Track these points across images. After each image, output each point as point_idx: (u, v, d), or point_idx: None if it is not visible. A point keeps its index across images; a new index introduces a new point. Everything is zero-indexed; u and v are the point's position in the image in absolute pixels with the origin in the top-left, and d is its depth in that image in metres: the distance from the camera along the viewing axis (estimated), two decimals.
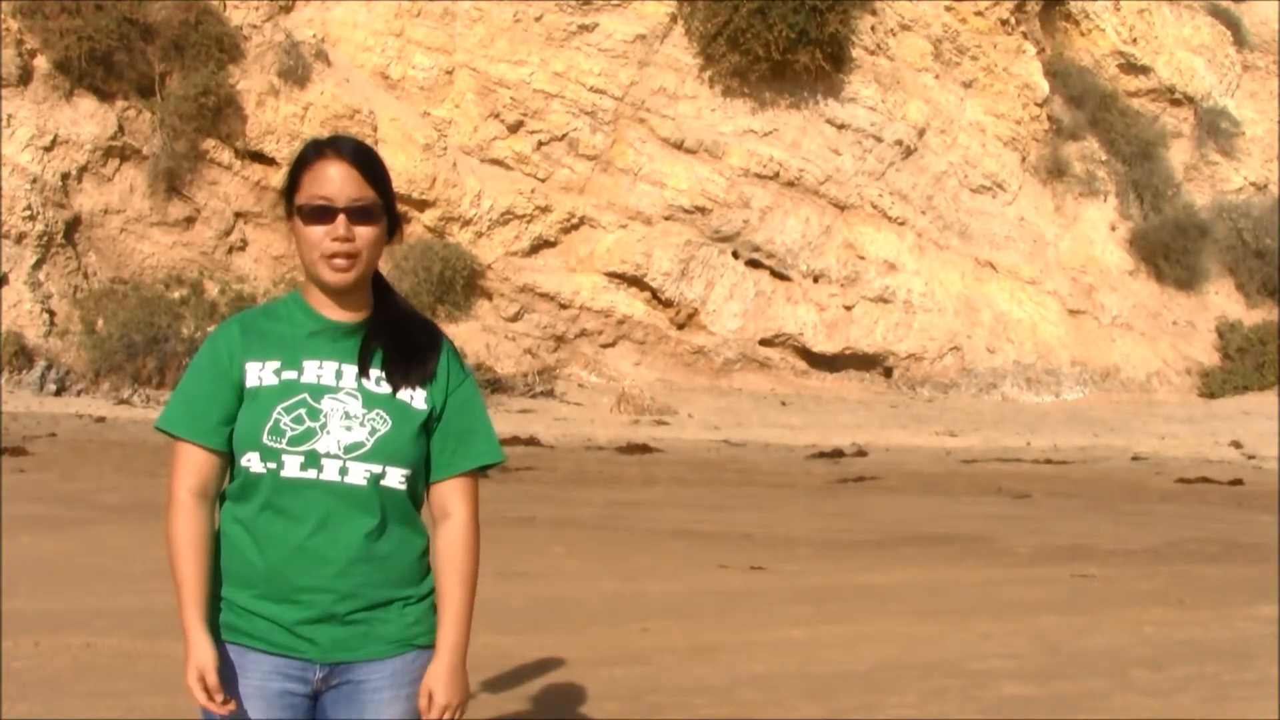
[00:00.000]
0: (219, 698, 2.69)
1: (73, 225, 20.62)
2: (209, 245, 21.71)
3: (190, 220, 21.62)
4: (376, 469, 2.77)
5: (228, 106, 21.37)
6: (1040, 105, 27.38)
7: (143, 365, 19.25)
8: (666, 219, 23.50)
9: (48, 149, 20.35)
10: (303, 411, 2.75)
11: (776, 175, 24.13)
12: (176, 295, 20.53)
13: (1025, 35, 27.50)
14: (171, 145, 20.93)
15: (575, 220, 23.23)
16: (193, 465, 2.79)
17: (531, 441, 16.75)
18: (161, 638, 6.32)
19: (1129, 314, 27.26)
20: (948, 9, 26.26)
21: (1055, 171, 27.57)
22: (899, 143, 25.22)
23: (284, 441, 2.74)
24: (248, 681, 2.77)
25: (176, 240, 21.52)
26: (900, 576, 9.21)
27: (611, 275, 23.31)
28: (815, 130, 24.55)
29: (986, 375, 25.16)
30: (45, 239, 20.08)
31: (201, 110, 20.92)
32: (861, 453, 17.56)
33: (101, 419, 17.05)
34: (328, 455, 2.74)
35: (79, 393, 19.03)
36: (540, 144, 23.14)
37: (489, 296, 22.94)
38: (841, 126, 24.71)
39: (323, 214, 2.76)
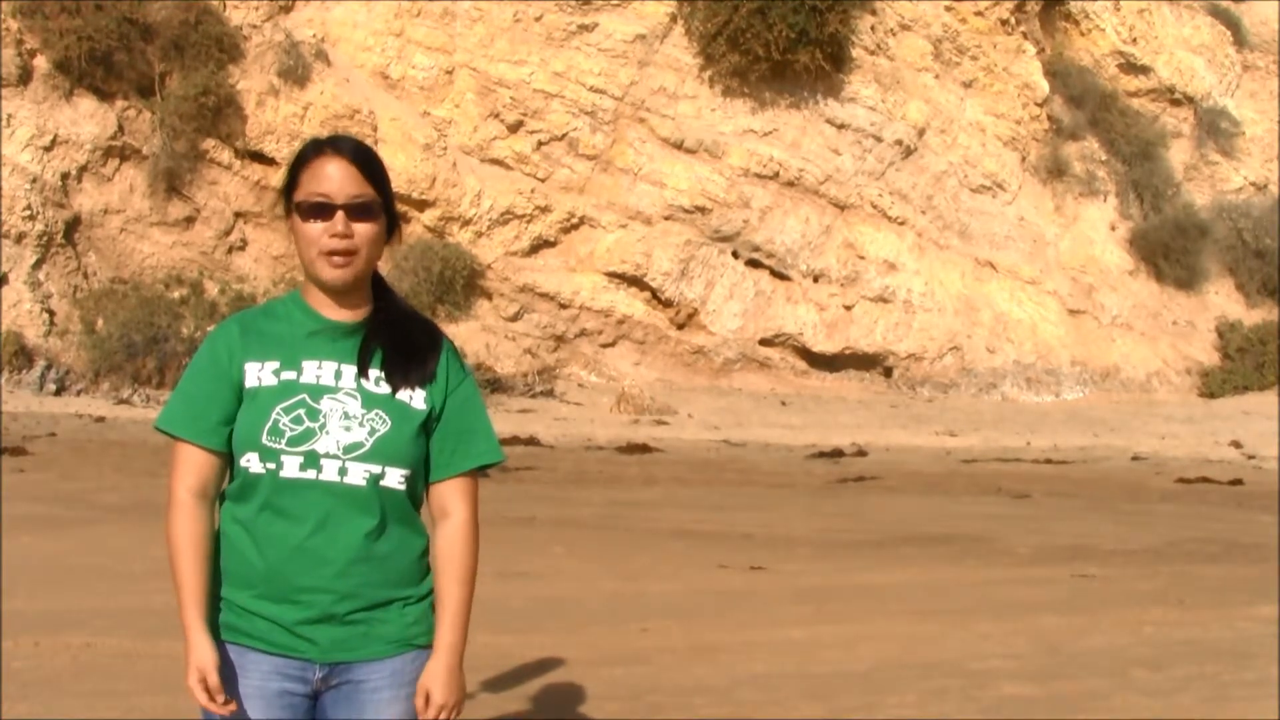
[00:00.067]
0: (220, 698, 2.69)
1: (73, 225, 20.62)
2: (209, 245, 21.71)
3: (190, 220, 21.62)
4: (376, 469, 2.76)
5: (228, 106, 21.37)
6: (1040, 105, 27.39)
7: (143, 365, 19.25)
8: (666, 219, 23.50)
9: (48, 149, 20.35)
10: (302, 412, 2.75)
11: (776, 175, 24.13)
12: (176, 295, 20.53)
13: (1025, 35, 27.50)
14: (171, 145, 20.93)
15: (575, 220, 23.23)
16: (192, 465, 2.79)
17: (531, 441, 16.75)
18: (161, 638, 6.32)
19: (1129, 314, 27.26)
20: (948, 9, 26.26)
21: (1055, 171, 27.57)
22: (899, 143, 25.22)
23: (283, 442, 2.73)
24: (247, 681, 2.77)
25: (176, 240, 21.52)
26: (900, 576, 9.21)
27: (611, 275, 23.31)
28: (815, 130, 24.55)
29: (986, 375, 25.16)
30: (45, 239, 20.07)
31: (201, 110, 20.92)
32: (861, 453, 17.56)
33: (101, 419, 17.05)
34: (327, 455, 2.74)
35: (79, 393, 19.03)
36: (540, 144, 23.14)
37: (489, 296, 22.94)
38: (841, 126, 24.71)
39: (321, 211, 2.76)
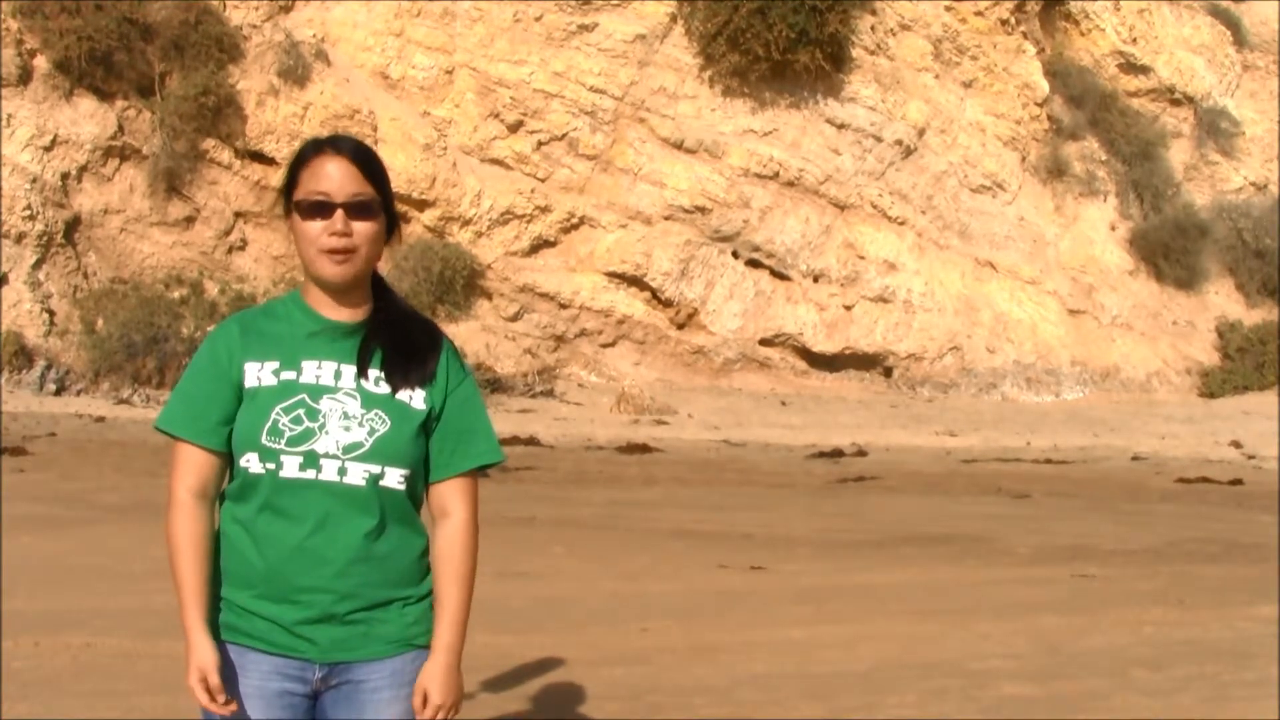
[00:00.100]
0: (220, 698, 2.69)
1: (73, 225, 20.62)
2: (209, 245, 21.72)
3: (190, 220, 21.62)
4: (375, 469, 2.76)
5: (228, 106, 21.37)
6: (1040, 105, 27.39)
7: (143, 365, 19.25)
8: (666, 219, 23.50)
9: (48, 149, 20.35)
10: (301, 412, 2.75)
11: (776, 175, 24.14)
12: (176, 295, 20.53)
13: (1025, 35, 27.50)
14: (171, 145, 20.93)
15: (575, 220, 23.23)
16: (192, 465, 2.79)
17: (531, 441, 16.75)
18: (161, 638, 6.32)
19: (1129, 314, 27.26)
20: (948, 9, 26.26)
21: (1055, 171, 27.57)
22: (899, 143, 25.22)
23: (282, 442, 2.73)
24: (247, 681, 2.77)
25: (176, 240, 21.52)
26: (900, 576, 9.21)
27: (611, 275, 23.31)
28: (815, 130, 24.55)
29: (986, 375, 25.16)
30: (45, 239, 20.07)
31: (201, 110, 20.93)
32: (861, 453, 17.55)
33: (101, 419, 17.05)
34: (326, 455, 2.74)
35: (79, 392, 19.03)
36: (540, 144, 23.14)
37: (489, 296, 22.94)
38: (841, 126, 24.71)
39: (321, 209, 2.76)
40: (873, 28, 24.91)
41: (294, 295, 2.89)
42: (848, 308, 24.62)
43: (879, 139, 24.97)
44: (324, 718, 2.84)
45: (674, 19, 23.76)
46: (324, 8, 22.75)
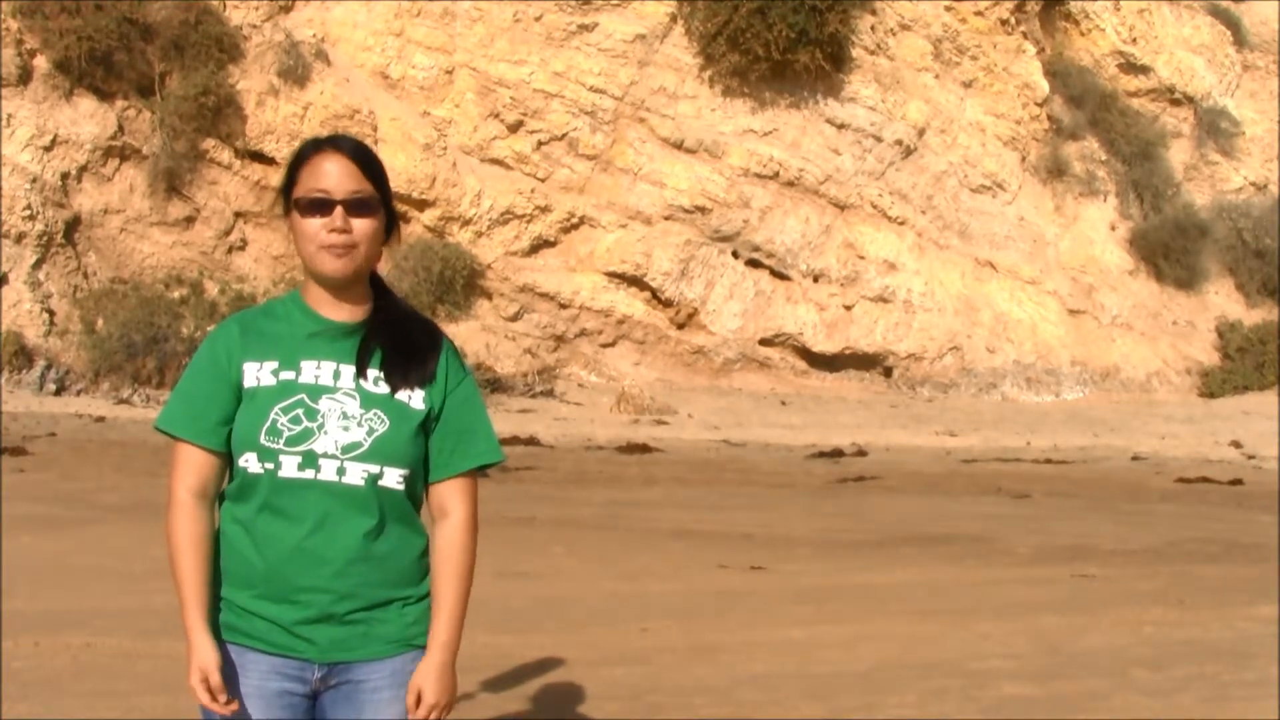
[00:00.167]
0: (222, 698, 2.70)
1: (72, 225, 20.62)
2: (209, 245, 21.72)
3: (190, 220, 21.62)
4: (374, 469, 2.76)
5: (228, 106, 21.37)
6: (1040, 105, 27.39)
7: (142, 365, 19.25)
8: (666, 219, 23.50)
9: (47, 149, 20.35)
10: (300, 412, 2.75)
11: (776, 175, 24.14)
12: (176, 295, 20.53)
13: (1025, 35, 27.50)
14: (171, 145, 20.93)
15: (575, 220, 23.23)
16: (192, 465, 2.79)
17: (531, 441, 16.75)
18: (161, 638, 6.32)
19: (1129, 314, 27.26)
20: (948, 9, 26.26)
21: (1055, 171, 27.57)
22: (899, 142, 25.22)
23: (281, 442, 2.74)
24: (247, 681, 2.77)
25: (176, 240, 21.52)
26: (900, 576, 9.20)
27: (611, 275, 23.31)
28: (815, 130, 24.55)
29: (986, 375, 25.16)
30: (45, 239, 20.08)
31: (201, 110, 20.92)
32: (861, 453, 17.55)
33: (101, 419, 17.05)
34: (325, 455, 2.74)
35: (79, 392, 19.03)
36: (540, 144, 23.14)
37: (489, 296, 22.94)
38: (841, 126, 24.72)
39: (320, 206, 2.76)
40: (873, 28, 24.92)
41: (294, 295, 2.89)
42: (848, 308, 24.63)
43: (879, 139, 24.97)
44: (324, 718, 2.84)
45: (674, 19, 23.76)
46: (324, 8, 22.75)
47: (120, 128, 20.95)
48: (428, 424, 2.83)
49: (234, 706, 2.72)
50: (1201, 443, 19.96)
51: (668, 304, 23.66)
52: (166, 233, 21.42)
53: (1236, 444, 19.70)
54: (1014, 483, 14.95)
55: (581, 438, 17.83)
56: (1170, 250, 27.77)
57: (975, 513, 12.55)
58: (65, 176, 20.50)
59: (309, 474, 2.74)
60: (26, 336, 19.29)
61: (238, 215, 21.87)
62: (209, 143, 21.35)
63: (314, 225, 2.77)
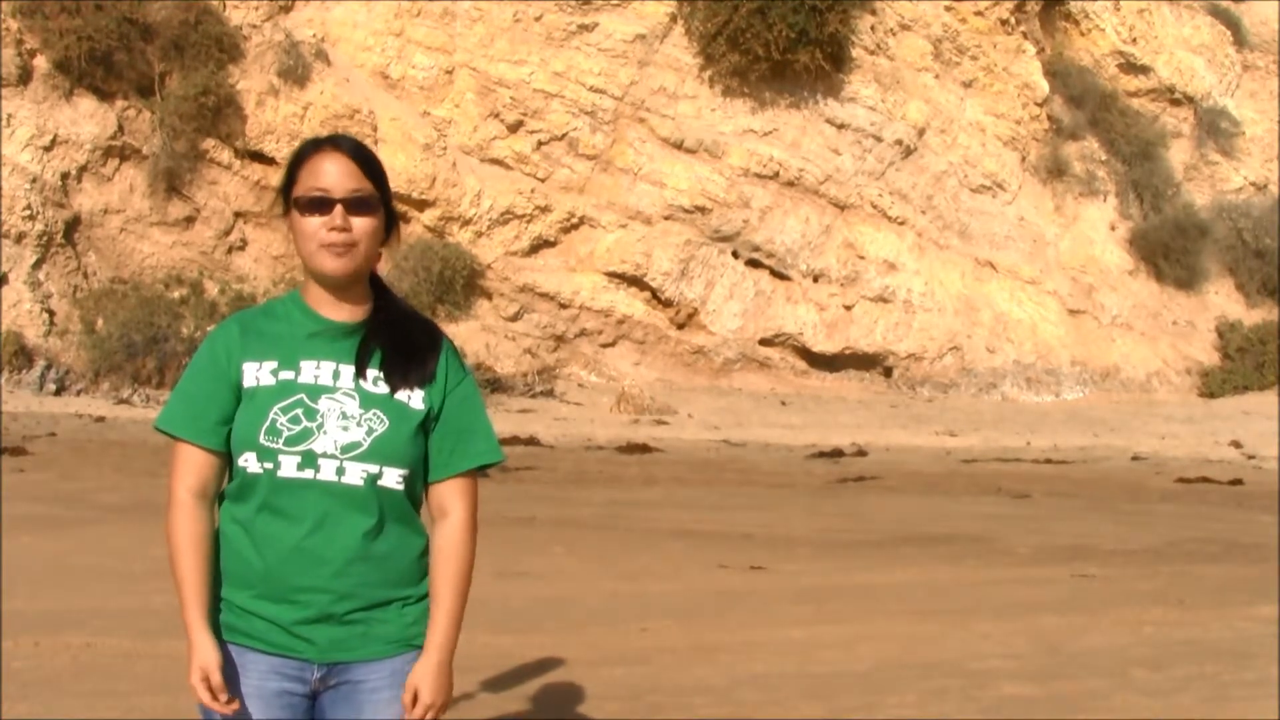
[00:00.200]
0: (223, 697, 2.70)
1: (72, 225, 20.62)
2: (209, 245, 21.72)
3: (190, 220, 21.62)
4: (373, 469, 2.76)
5: (227, 106, 21.37)
6: (1040, 105, 27.39)
7: (142, 365, 19.25)
8: (666, 219, 23.50)
9: (47, 149, 20.35)
10: (300, 411, 2.75)
11: (776, 175, 24.14)
12: (176, 295, 20.53)
13: (1025, 35, 27.50)
14: (171, 145, 20.93)
15: (575, 220, 23.23)
16: (192, 465, 2.79)
17: (531, 441, 16.75)
18: (161, 638, 6.32)
19: (1129, 314, 27.27)
20: (948, 9, 26.26)
21: (1055, 171, 27.57)
22: (899, 142, 25.22)
23: (280, 441, 2.73)
24: (246, 681, 2.77)
25: (176, 240, 21.52)
26: (900, 576, 9.20)
27: (611, 275, 23.32)
28: (815, 130, 24.55)
29: (986, 375, 25.16)
30: (45, 239, 20.08)
31: (201, 110, 20.92)
32: (861, 453, 17.55)
33: (101, 419, 17.05)
34: (324, 455, 2.74)
35: (79, 392, 19.03)
36: (540, 144, 23.14)
37: (489, 296, 22.94)
38: (841, 126, 24.72)
39: (320, 205, 2.77)
40: (873, 28, 24.92)
41: (294, 295, 2.89)
42: (848, 308, 24.63)
43: (879, 139, 24.97)
44: (323, 718, 2.84)
45: (674, 19, 23.76)
46: (324, 8, 22.75)
47: (120, 128, 20.95)
48: (427, 424, 2.83)
49: (234, 706, 2.72)
50: (1201, 443, 19.96)
51: (668, 304, 23.66)
52: (166, 233, 21.42)
53: (1236, 444, 19.70)
54: (1014, 483, 14.95)
55: (581, 438, 17.83)
56: (1170, 250, 27.77)
57: (975, 513, 12.55)
58: (65, 176, 20.50)
59: (308, 474, 2.73)
60: (26, 336, 19.29)
61: (238, 215, 21.87)
62: (209, 143, 21.35)
63: (314, 224, 2.77)
